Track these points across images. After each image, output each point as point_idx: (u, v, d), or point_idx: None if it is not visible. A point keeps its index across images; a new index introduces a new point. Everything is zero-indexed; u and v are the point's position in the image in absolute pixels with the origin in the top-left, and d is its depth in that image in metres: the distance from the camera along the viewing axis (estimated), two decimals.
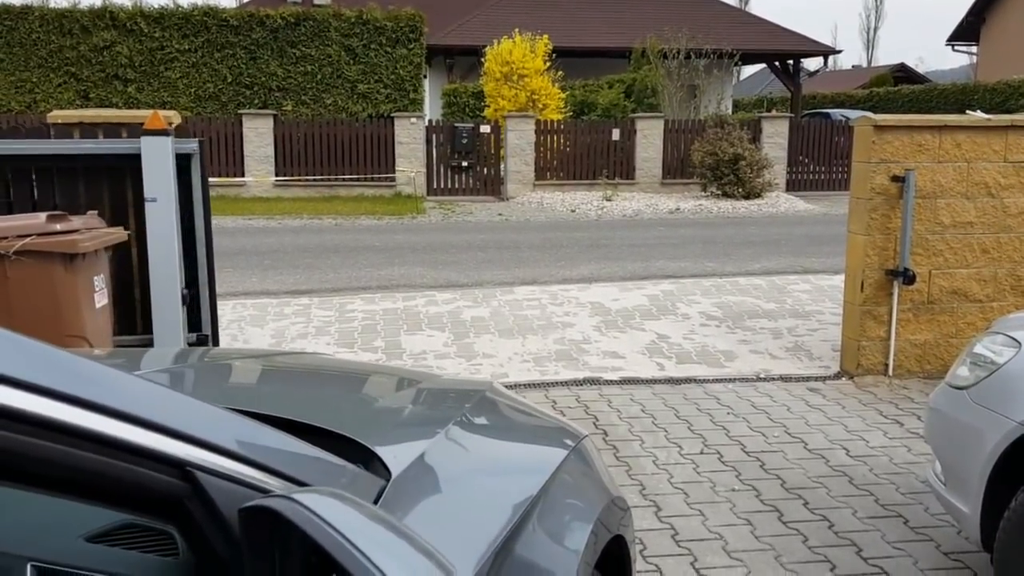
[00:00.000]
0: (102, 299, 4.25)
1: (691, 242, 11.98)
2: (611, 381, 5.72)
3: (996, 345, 2.97)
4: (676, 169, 18.56)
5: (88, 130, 5.08)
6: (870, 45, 68.26)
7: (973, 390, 2.95)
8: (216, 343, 5.38)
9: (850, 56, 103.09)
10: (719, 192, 17.26)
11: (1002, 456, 2.76)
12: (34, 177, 4.91)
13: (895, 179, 5.55)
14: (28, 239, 3.79)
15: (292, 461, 0.93)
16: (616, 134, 18.42)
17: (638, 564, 3.33)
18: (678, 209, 16.18)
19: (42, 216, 3.99)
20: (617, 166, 18.46)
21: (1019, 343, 2.86)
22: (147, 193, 4.82)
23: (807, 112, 27.78)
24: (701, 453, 4.48)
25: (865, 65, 60.39)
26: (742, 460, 4.39)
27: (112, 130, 5.02)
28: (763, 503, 3.90)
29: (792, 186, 19.17)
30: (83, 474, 0.72)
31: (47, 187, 4.91)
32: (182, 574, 0.96)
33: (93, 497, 0.79)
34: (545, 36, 19.95)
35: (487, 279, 9.09)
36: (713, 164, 17.06)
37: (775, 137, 19.00)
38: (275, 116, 17.68)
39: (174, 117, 5.25)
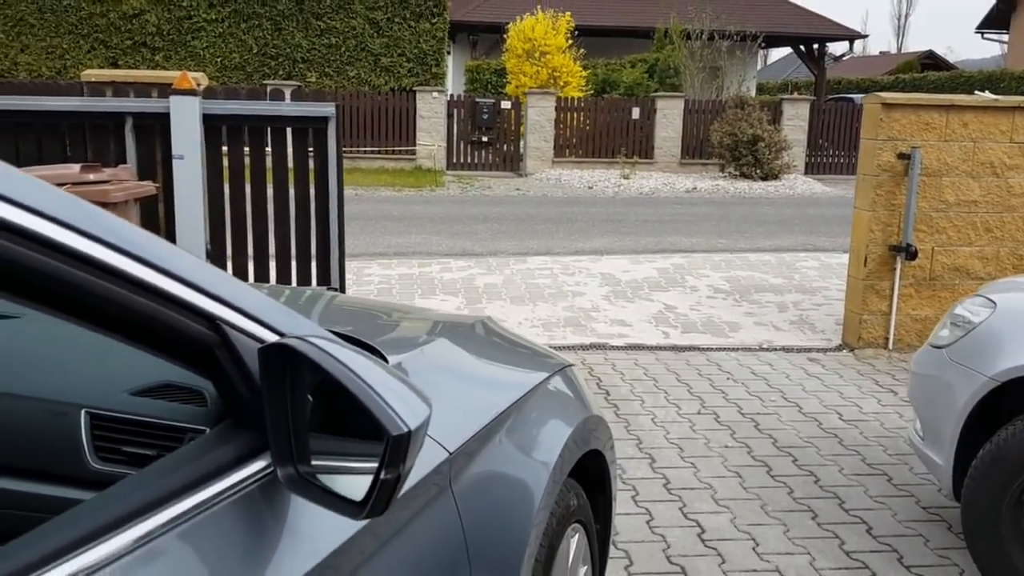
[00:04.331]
0: None
1: (705, 220, 12.10)
2: (617, 347, 5.89)
3: (974, 306, 3.12)
4: (695, 149, 18.63)
5: (99, 88, 5.28)
6: (900, 32, 67.60)
7: (950, 348, 3.11)
8: None
9: (880, 43, 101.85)
10: (737, 173, 17.32)
11: (973, 410, 2.93)
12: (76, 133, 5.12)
13: (901, 156, 5.67)
14: (63, 188, 4.00)
15: (305, 331, 1.12)
16: (636, 113, 18.49)
17: (630, 508, 3.53)
18: (695, 188, 16.27)
19: (76, 167, 4.20)
20: (636, 145, 18.54)
21: (995, 304, 3.02)
22: (175, 151, 5.02)
23: (831, 96, 27.63)
24: (698, 413, 4.66)
25: (894, 52, 59.70)
26: (737, 420, 4.56)
27: (143, 90, 5.21)
28: (754, 459, 4.07)
29: (811, 169, 19.19)
30: (134, 315, 0.91)
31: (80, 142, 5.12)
32: (210, 418, 1.16)
33: (142, 339, 0.98)
34: (567, 13, 19.99)
35: (501, 249, 9.28)
36: (732, 144, 17.12)
37: (795, 120, 19.00)
38: (299, 87, 17.87)
39: (202, 79, 5.43)
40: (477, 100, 18.43)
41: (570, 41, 19.78)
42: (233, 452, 0.99)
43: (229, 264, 5.40)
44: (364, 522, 1.09)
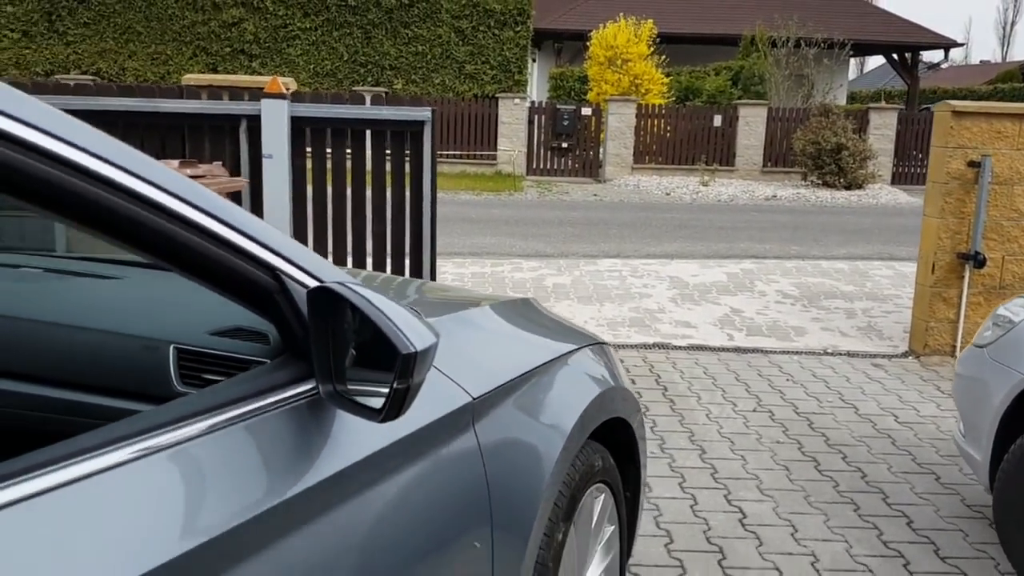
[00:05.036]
0: None
1: (781, 227, 12.05)
2: (679, 347, 6.02)
3: (1015, 307, 3.20)
4: (778, 157, 18.47)
5: (217, 92, 5.69)
6: (1005, 40, 65.13)
7: (991, 347, 3.19)
8: None
9: (984, 52, 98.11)
10: (819, 181, 17.11)
11: (1010, 406, 3.01)
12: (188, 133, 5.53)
13: (971, 164, 5.66)
14: None
15: (341, 279, 1.37)
16: (718, 120, 18.45)
17: (676, 492, 3.69)
18: (775, 196, 16.15)
19: (175, 162, 4.60)
20: (717, 152, 18.49)
21: None
22: (264, 150, 5.39)
23: (925, 106, 26.90)
24: (753, 411, 4.77)
25: (996, 61, 57.55)
26: (792, 419, 4.66)
27: (258, 94, 5.55)
28: (803, 454, 4.18)
29: (899, 179, 18.80)
30: (215, 265, 1.16)
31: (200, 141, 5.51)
32: (271, 353, 1.42)
33: (221, 285, 1.23)
34: (650, 21, 20.07)
35: (573, 251, 9.48)
36: (815, 153, 16.93)
37: (882, 129, 18.65)
38: (386, 94, 18.44)
39: (291, 84, 5.81)
40: (558, 107, 18.68)
41: (652, 48, 19.85)
42: (288, 376, 1.24)
43: (329, 258, 5.74)
44: (394, 438, 1.33)
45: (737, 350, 5.99)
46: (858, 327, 6.65)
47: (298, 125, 5.37)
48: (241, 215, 1.21)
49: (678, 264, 8.71)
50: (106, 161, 0.99)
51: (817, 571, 3.10)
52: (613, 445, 2.26)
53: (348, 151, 5.54)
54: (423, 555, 1.39)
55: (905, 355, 5.96)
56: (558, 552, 1.87)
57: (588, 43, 20.64)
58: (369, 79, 20.24)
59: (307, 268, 1.27)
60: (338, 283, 1.21)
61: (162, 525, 0.97)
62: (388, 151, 5.53)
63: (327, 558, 1.18)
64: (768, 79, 20.47)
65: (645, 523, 3.37)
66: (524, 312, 2.16)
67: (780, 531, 3.38)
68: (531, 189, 16.64)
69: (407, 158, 5.50)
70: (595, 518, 2.16)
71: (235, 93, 5.73)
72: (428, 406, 1.43)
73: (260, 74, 19.90)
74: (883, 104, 20.54)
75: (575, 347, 2.11)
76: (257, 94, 5.50)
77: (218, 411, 1.10)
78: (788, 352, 5.98)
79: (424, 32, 20.33)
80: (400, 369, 1.11)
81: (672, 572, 3.08)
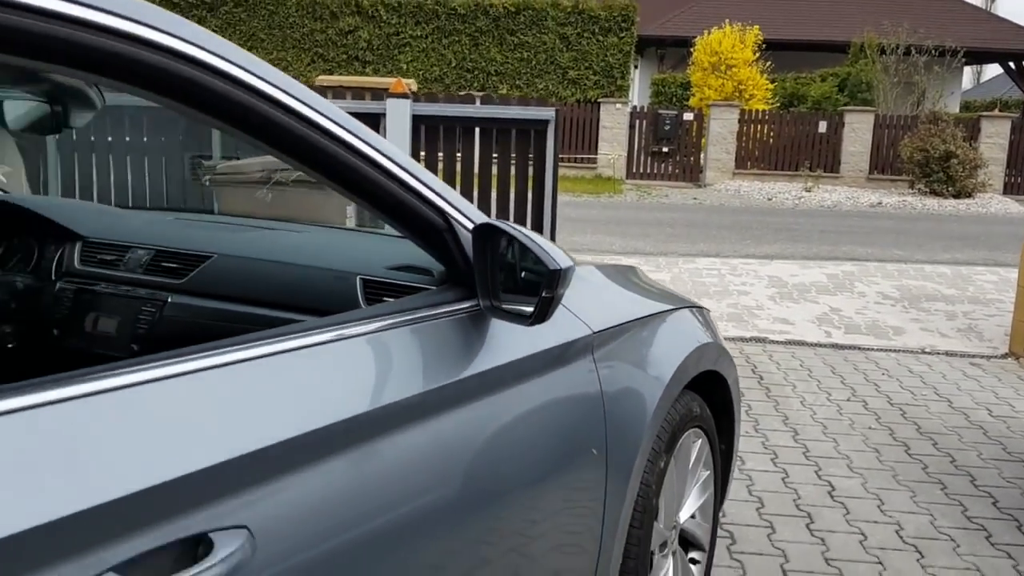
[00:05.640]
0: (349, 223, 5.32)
1: (885, 232, 11.95)
2: (776, 341, 6.19)
3: None
4: (885, 164, 18.17)
5: (360, 93, 6.17)
6: None
7: None
8: None
9: None
10: (927, 189, 16.77)
11: None
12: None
13: None
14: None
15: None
16: (823, 127, 18.28)
17: (768, 466, 3.93)
18: (880, 203, 15.92)
19: None
20: (821, 159, 18.31)
21: None
22: None
23: None
24: (848, 400, 4.94)
25: None
26: (885, 408, 4.81)
27: (377, 94, 6.01)
28: (895, 440, 4.34)
29: (1011, 189, 18.23)
30: (406, 210, 1.53)
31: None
32: (437, 281, 1.78)
33: (405, 223, 1.59)
34: (755, 27, 20.02)
35: (672, 250, 9.70)
36: (922, 160, 16.61)
37: (995, 138, 18.12)
38: (490, 97, 18.99)
39: (413, 84, 6.26)
40: (659, 111, 18.85)
41: (757, 55, 19.80)
42: (451, 296, 1.60)
43: None
44: (534, 351, 1.67)
45: (834, 346, 6.12)
46: (958, 328, 6.67)
47: (431, 124, 5.77)
48: (423, 171, 1.57)
49: (777, 264, 8.83)
50: (339, 125, 1.36)
51: (901, 538, 3.30)
52: (710, 400, 2.55)
53: (476, 150, 5.89)
54: (551, 448, 1.72)
55: (1004, 356, 5.98)
56: (660, 477, 2.18)
57: (692, 49, 20.72)
58: (475, 84, 20.85)
59: (466, 212, 1.62)
60: (498, 220, 1.56)
61: (358, 386, 1.32)
62: (512, 152, 5.88)
63: (478, 435, 1.53)
64: (876, 86, 20.13)
65: (737, 490, 3.62)
66: (628, 275, 2.48)
67: (867, 503, 3.58)
68: (630, 192, 16.86)
69: (530, 157, 5.82)
70: (692, 459, 2.45)
71: (376, 93, 6.20)
72: (558, 331, 1.77)
73: None
74: (996, 112, 19.92)
75: (676, 306, 2.41)
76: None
77: (398, 315, 1.46)
78: (885, 350, 6.08)
79: (530, 39, 20.81)
80: (548, 281, 1.44)
81: (762, 532, 3.33)
